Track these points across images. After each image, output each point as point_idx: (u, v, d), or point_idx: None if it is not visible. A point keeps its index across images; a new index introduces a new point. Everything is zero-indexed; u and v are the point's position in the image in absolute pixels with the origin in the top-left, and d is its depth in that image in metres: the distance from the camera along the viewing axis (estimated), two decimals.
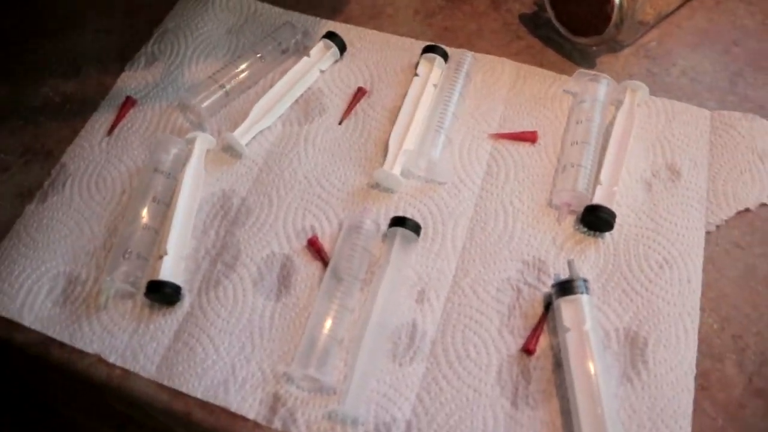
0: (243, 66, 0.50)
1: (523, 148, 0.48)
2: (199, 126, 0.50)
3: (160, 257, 0.42)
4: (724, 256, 0.43)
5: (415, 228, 0.42)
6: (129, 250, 0.42)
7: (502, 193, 0.45)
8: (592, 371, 0.37)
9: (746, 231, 0.44)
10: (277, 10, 0.57)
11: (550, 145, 0.48)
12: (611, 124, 0.48)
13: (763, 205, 0.45)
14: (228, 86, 0.50)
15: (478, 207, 0.45)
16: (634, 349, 0.39)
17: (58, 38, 0.58)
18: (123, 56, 0.55)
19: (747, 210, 0.45)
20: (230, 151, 0.48)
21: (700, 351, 0.39)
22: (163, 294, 0.41)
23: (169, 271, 0.42)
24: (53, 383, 0.54)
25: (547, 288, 0.41)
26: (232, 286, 0.42)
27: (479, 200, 0.45)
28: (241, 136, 0.47)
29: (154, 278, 0.41)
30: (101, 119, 0.51)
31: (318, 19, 0.56)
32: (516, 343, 0.40)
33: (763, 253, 0.43)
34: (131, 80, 0.53)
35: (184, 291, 0.42)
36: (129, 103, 0.51)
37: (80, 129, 0.51)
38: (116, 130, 0.50)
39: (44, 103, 0.53)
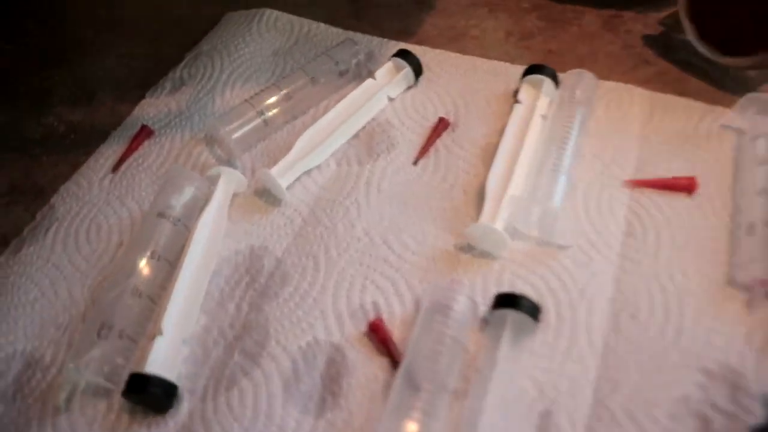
0: (289, 89, 0.39)
1: (677, 200, 0.34)
2: (228, 162, 0.38)
3: (153, 338, 0.29)
4: None
5: (534, 311, 0.28)
6: (109, 325, 0.29)
7: (656, 265, 0.31)
8: None
9: None
10: (335, 30, 0.47)
11: (715, 196, 0.34)
12: None
13: None
14: (268, 114, 0.39)
15: (621, 284, 0.30)
16: None
17: (75, 64, 0.49)
18: (145, 83, 0.46)
19: None
20: (266, 195, 0.36)
21: None
22: (150, 395, 0.27)
23: (162, 360, 0.28)
24: None
25: (753, 417, 0.26)
26: (253, 388, 0.28)
27: (622, 274, 0.31)
28: (282, 175, 0.35)
29: (140, 370, 0.28)
30: (108, 152, 0.41)
31: (384, 39, 0.45)
32: None
33: None
34: (151, 108, 0.43)
35: (182, 392, 0.29)
36: (144, 133, 0.41)
37: (82, 164, 0.40)
38: (123, 166, 0.39)
39: (46, 133, 0.44)
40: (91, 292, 0.33)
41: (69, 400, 0.29)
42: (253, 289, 0.32)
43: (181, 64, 0.46)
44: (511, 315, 0.28)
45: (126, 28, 0.51)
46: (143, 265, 0.31)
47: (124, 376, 0.28)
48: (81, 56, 0.49)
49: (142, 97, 0.45)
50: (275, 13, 0.48)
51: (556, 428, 0.26)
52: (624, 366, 0.28)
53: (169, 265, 0.32)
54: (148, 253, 0.32)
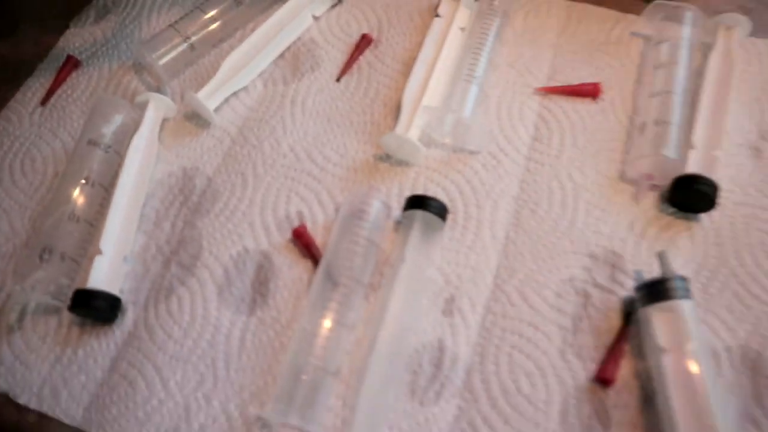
0: (213, 12, 0.40)
1: (582, 105, 0.36)
2: (158, 89, 0.39)
3: (94, 258, 0.32)
4: None
5: (441, 211, 0.31)
6: (50, 249, 0.32)
7: (558, 164, 0.34)
8: (704, 410, 0.25)
9: None
10: None
11: (617, 100, 0.36)
12: (700, 72, 0.36)
13: None
14: (194, 38, 0.40)
15: (525, 183, 0.34)
16: (756, 377, 0.28)
17: None
18: (69, 12, 0.45)
19: None
20: (195, 119, 0.38)
21: None
22: (94, 308, 0.31)
23: (104, 276, 0.31)
24: None
25: (626, 291, 0.30)
26: (189, 295, 0.32)
27: (527, 174, 0.34)
28: (209, 98, 0.37)
29: (84, 287, 0.30)
30: (35, 86, 0.41)
31: None
32: (586, 369, 0.29)
33: None
34: (76, 38, 0.44)
35: (126, 304, 0.32)
36: (70, 64, 0.41)
37: (10, 99, 0.41)
38: (52, 99, 0.40)
39: None
40: (31, 222, 0.35)
41: (20, 320, 0.32)
42: (186, 208, 0.35)
43: None
44: (419, 215, 0.31)
45: None
46: (78, 192, 0.33)
47: (70, 294, 0.31)
48: None
49: (67, 27, 0.45)
50: None
51: (459, 311, 0.30)
52: (521, 255, 0.31)
53: (104, 190, 0.34)
54: (83, 180, 0.34)
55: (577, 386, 0.28)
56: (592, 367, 0.29)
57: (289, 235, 0.33)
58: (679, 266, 0.31)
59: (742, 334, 0.29)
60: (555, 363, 0.29)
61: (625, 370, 0.29)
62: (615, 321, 0.30)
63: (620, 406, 0.28)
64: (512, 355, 0.29)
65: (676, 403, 0.26)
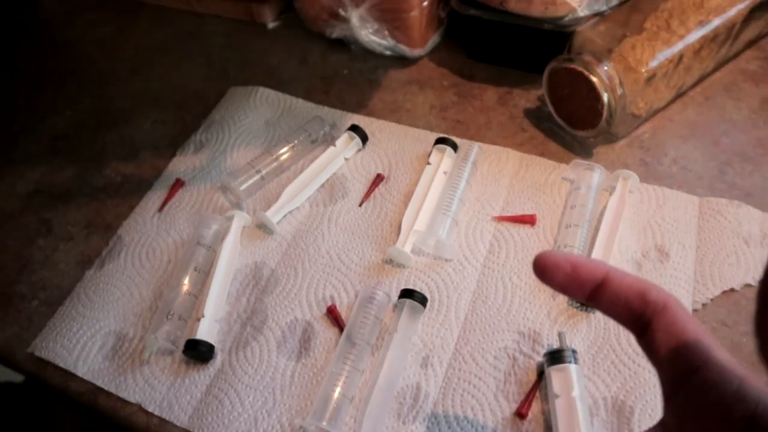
0: (277, 154, 0.61)
1: (523, 230, 0.55)
2: (237, 205, 0.59)
3: (198, 319, 0.51)
4: (711, 333, 0.49)
5: (422, 300, 0.50)
6: (172, 312, 0.51)
7: (503, 270, 0.53)
8: None
9: (732, 310, 0.50)
10: (309, 104, 0.68)
11: (548, 227, 0.55)
12: (604, 208, 0.55)
13: (747, 285, 0.51)
14: (264, 171, 0.60)
15: (480, 282, 0.52)
16: (621, 418, 0.45)
17: (121, 127, 0.70)
18: (175, 143, 0.67)
19: (732, 290, 0.51)
20: (263, 228, 0.58)
21: None
22: (198, 352, 0.49)
23: (205, 331, 0.50)
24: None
25: (540, 357, 0.48)
26: (258, 347, 0.50)
27: (482, 276, 0.52)
28: (273, 215, 0.57)
29: (192, 337, 0.49)
30: (154, 197, 0.62)
31: (344, 112, 0.67)
32: (510, 407, 0.46)
33: (748, 332, 0.49)
34: (181, 164, 0.64)
35: (217, 350, 0.50)
36: (178, 184, 0.62)
37: (135, 206, 0.62)
38: (166, 207, 0.61)
39: (106, 183, 0.65)
40: (152, 292, 0.55)
41: (149, 357, 0.50)
42: (257, 289, 0.54)
43: (200, 130, 0.67)
44: (408, 302, 0.49)
45: (155, 99, 0.73)
46: (189, 276, 0.53)
47: (182, 342, 0.50)
48: (124, 122, 0.71)
49: (173, 155, 0.66)
50: (267, 90, 0.70)
51: (431, 365, 0.48)
52: (473, 330, 0.49)
53: (205, 275, 0.54)
54: (192, 268, 0.53)
55: (503, 417, 0.45)
56: (515, 406, 0.46)
57: (324, 310, 0.52)
58: (578, 342, 0.49)
59: (614, 388, 0.46)
60: (490, 402, 0.46)
61: (535, 408, 0.46)
62: (532, 376, 0.47)
63: (531, 431, 0.45)
64: (463, 396, 0.47)
65: (561, 430, 0.43)
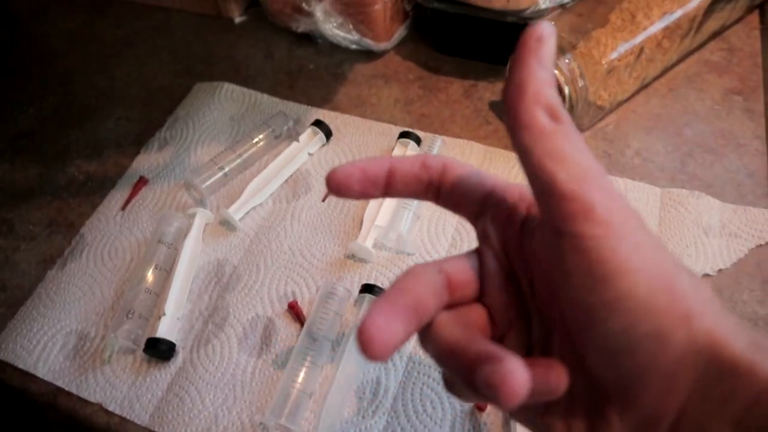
0: (240, 150, 0.61)
1: None
2: (201, 203, 0.60)
3: (159, 318, 0.51)
4: None
5: None
6: (132, 311, 0.51)
7: None
8: None
9: None
10: (275, 99, 0.68)
11: None
12: None
13: (706, 275, 0.52)
14: (227, 168, 0.60)
15: None
16: None
17: (85, 125, 0.70)
18: (139, 140, 0.67)
19: None
20: (226, 224, 0.58)
21: None
22: (159, 350, 0.49)
23: (165, 330, 0.50)
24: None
25: None
26: (219, 344, 0.50)
27: None
28: (236, 212, 0.57)
29: (153, 336, 0.50)
30: (117, 195, 0.62)
31: (309, 107, 0.67)
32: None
33: None
34: (145, 162, 0.64)
35: (178, 348, 0.51)
36: (141, 182, 0.62)
37: (99, 204, 0.62)
38: (129, 206, 0.61)
39: (69, 181, 0.65)
40: (115, 291, 0.55)
41: (110, 356, 0.51)
42: (219, 286, 0.54)
43: (164, 127, 0.67)
44: (368, 297, 0.50)
45: (121, 96, 0.72)
46: (150, 274, 0.53)
47: (143, 341, 0.50)
48: (88, 119, 0.70)
49: (137, 152, 0.66)
50: (231, 86, 0.70)
51: (391, 360, 0.48)
52: None
53: (166, 273, 0.54)
54: (153, 266, 0.53)
55: (462, 410, 0.46)
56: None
57: (285, 306, 0.52)
58: None
59: None
60: (450, 395, 0.47)
61: None
62: None
63: (488, 423, 0.46)
64: (423, 389, 0.47)
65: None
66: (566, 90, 0.56)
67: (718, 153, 0.60)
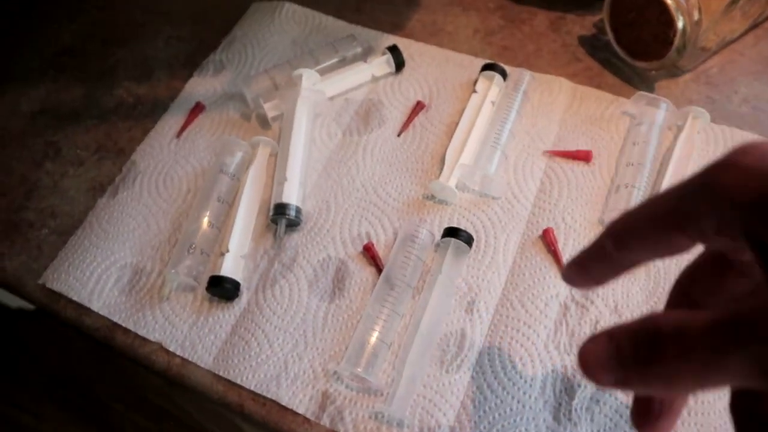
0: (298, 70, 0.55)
1: (578, 167, 0.50)
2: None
3: (222, 254, 0.47)
4: None
5: (468, 240, 0.45)
6: (193, 246, 0.46)
7: (555, 210, 0.48)
8: None
9: None
10: (341, 23, 0.62)
11: (604, 165, 0.50)
12: (669, 149, 0.50)
13: None
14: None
15: (530, 223, 0.48)
16: None
17: (131, 43, 0.64)
18: (191, 62, 0.61)
19: None
20: None
21: None
22: (223, 289, 0.45)
23: (229, 267, 0.46)
24: (102, 376, 0.58)
25: (595, 306, 0.44)
26: (288, 285, 0.46)
27: (531, 216, 0.48)
28: None
29: (216, 273, 0.45)
30: (171, 121, 0.57)
31: (380, 33, 0.60)
32: (561, 358, 0.42)
33: None
34: (199, 86, 0.59)
35: (243, 288, 0.46)
36: (198, 108, 0.57)
37: (150, 130, 0.56)
38: (185, 133, 0.56)
39: (117, 103, 0.59)
40: (171, 224, 0.50)
41: (170, 293, 0.47)
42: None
43: (219, 49, 0.61)
44: (452, 242, 0.45)
45: (168, 11, 0.66)
46: (212, 207, 0.48)
47: (204, 278, 0.46)
48: (135, 38, 0.64)
49: (190, 75, 0.60)
50: (293, 5, 0.63)
51: (477, 310, 0.44)
52: (522, 274, 0.45)
53: (229, 206, 0.49)
54: (215, 197, 0.49)
55: (554, 369, 0.42)
56: (566, 357, 0.43)
57: (360, 248, 0.47)
58: (636, 292, 0.45)
59: None
60: (540, 352, 0.43)
61: None
62: (584, 326, 0.44)
63: (583, 385, 0.42)
64: (511, 344, 0.43)
65: None
66: (680, 23, 0.49)
67: None
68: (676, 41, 0.50)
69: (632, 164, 0.48)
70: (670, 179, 0.48)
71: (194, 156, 0.54)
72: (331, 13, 0.63)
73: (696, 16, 0.50)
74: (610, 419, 0.40)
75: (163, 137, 0.56)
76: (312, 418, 0.41)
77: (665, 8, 0.49)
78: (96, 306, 0.47)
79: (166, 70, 0.61)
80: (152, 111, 0.58)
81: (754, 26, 0.59)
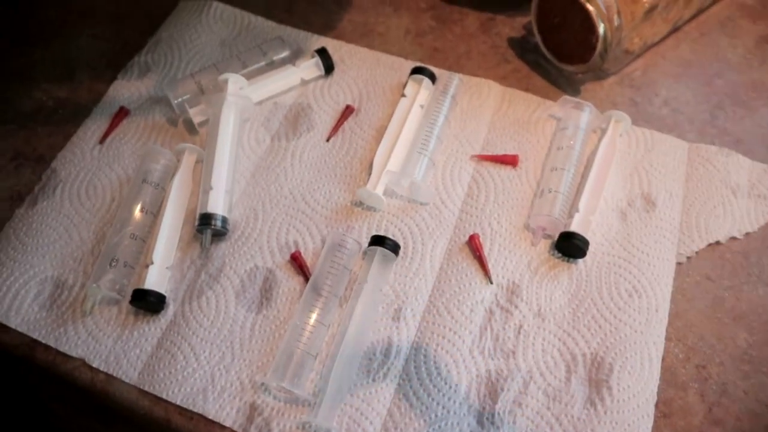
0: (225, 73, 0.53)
1: (505, 171, 0.51)
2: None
3: (146, 266, 0.46)
4: (694, 287, 0.47)
5: (394, 248, 0.46)
6: (116, 258, 0.45)
7: (482, 215, 0.49)
8: None
9: (717, 264, 0.48)
10: (271, 24, 0.61)
11: (531, 169, 0.51)
12: (593, 152, 0.51)
13: (733, 238, 0.49)
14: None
15: (457, 228, 0.48)
16: (599, 374, 0.43)
17: (51, 43, 0.61)
18: (115, 63, 0.59)
19: (718, 243, 0.48)
20: None
21: (664, 379, 0.43)
22: (147, 302, 0.44)
23: (154, 280, 0.45)
24: (41, 382, 0.57)
25: (519, 311, 0.45)
26: (215, 296, 0.46)
27: (459, 222, 0.49)
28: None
29: (140, 287, 0.44)
30: (93, 126, 0.55)
31: (309, 34, 0.60)
32: (486, 363, 0.43)
33: (732, 286, 0.47)
34: (123, 89, 0.57)
35: (169, 299, 0.46)
36: (122, 113, 0.55)
37: (72, 135, 0.54)
38: (108, 139, 0.54)
39: (36, 107, 0.57)
40: (95, 234, 0.49)
41: (92, 307, 0.45)
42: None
43: (144, 50, 0.59)
44: (379, 250, 0.45)
45: (87, 10, 0.63)
46: (136, 218, 0.47)
47: (129, 291, 0.45)
48: (54, 37, 0.61)
49: (114, 77, 0.58)
50: (221, 5, 0.62)
51: (404, 318, 0.45)
52: (449, 281, 0.46)
53: (153, 216, 0.48)
54: (138, 207, 0.47)
55: (478, 374, 0.43)
56: (491, 362, 0.44)
57: (288, 257, 0.47)
58: (559, 295, 0.46)
59: (594, 344, 0.44)
60: (465, 358, 0.43)
61: None
62: (509, 331, 0.45)
63: (505, 388, 0.43)
64: (437, 351, 0.44)
65: None
66: (601, 29, 0.50)
67: (749, 106, 0.56)
68: (599, 46, 0.51)
69: (557, 169, 0.49)
70: (591, 184, 0.49)
71: (118, 163, 0.52)
72: (260, 13, 0.61)
73: (617, 21, 0.51)
74: (532, 421, 0.41)
75: (86, 143, 0.54)
76: (239, 431, 0.41)
77: (587, 15, 0.51)
78: (14, 323, 0.45)
79: (88, 72, 0.59)
80: (74, 115, 0.56)
81: (675, 29, 0.61)
